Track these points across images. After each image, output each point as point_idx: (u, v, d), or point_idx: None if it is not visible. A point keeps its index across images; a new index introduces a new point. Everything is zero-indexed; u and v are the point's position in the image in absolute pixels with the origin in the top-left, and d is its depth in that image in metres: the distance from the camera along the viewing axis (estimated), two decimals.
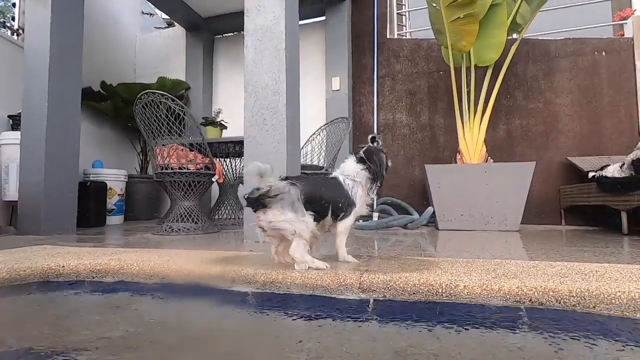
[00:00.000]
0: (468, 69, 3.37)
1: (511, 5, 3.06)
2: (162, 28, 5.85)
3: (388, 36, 4.60)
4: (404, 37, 4.79)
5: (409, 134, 4.33)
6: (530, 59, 3.98)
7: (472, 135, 3.35)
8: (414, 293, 0.99)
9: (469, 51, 3.22)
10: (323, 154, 3.48)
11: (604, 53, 3.79)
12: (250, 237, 2.24)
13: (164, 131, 2.73)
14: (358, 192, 1.42)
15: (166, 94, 2.68)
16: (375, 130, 4.37)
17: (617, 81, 3.73)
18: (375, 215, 3.90)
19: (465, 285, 0.92)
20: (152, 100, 2.68)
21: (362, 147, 1.54)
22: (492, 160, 3.39)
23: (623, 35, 4.00)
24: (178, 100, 2.69)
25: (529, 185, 2.99)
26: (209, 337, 0.93)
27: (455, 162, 3.39)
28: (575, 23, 4.79)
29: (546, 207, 3.82)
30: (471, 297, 0.90)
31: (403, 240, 2.39)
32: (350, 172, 1.45)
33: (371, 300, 0.98)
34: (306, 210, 1.26)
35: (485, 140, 3.48)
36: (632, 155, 2.63)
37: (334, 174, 1.50)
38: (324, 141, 3.56)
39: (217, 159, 3.21)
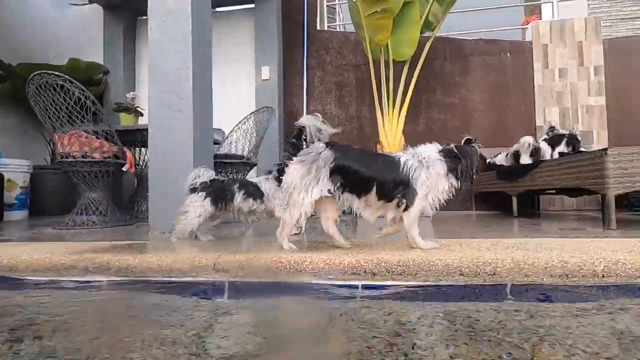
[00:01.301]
0: (387, 63, 3.51)
1: (424, 5, 3.24)
2: (79, 5, 5.34)
3: (318, 27, 4.64)
4: (334, 30, 4.86)
5: (338, 125, 4.41)
6: (447, 57, 4.26)
7: (391, 127, 3.52)
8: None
9: (387, 46, 3.36)
10: (248, 143, 3.44)
11: (509, 54, 4.17)
12: (157, 228, 2.16)
13: (64, 117, 2.51)
14: (421, 175, 1.27)
15: (63, 75, 2.46)
16: None
17: (520, 80, 4.14)
18: None
19: (310, 261, 0.98)
20: (47, 82, 2.45)
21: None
22: None
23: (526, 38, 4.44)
24: (78, 83, 2.49)
25: None
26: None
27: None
28: (492, 24, 5.20)
29: (461, 194, 4.14)
30: (315, 272, 0.97)
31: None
32: (423, 154, 1.33)
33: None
34: (334, 181, 1.19)
35: (404, 132, 3.68)
36: (514, 147, 2.94)
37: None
38: (250, 130, 3.52)
39: (131, 148, 3.03)
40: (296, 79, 4.52)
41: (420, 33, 3.44)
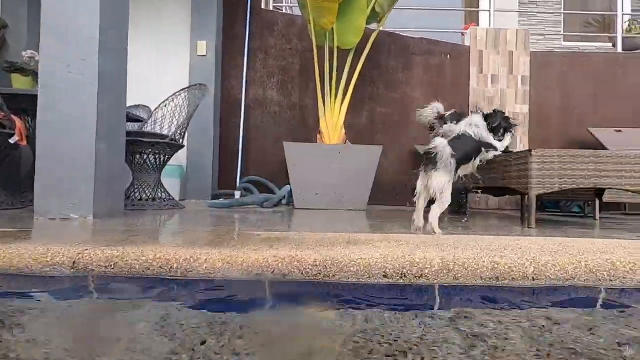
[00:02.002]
0: (331, 50, 3.38)
1: None
2: None
3: (263, 6, 4.36)
4: (280, 11, 4.60)
5: (279, 112, 4.22)
6: (392, 52, 4.26)
7: (332, 117, 3.41)
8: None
9: (332, 32, 3.23)
10: (175, 122, 3.09)
11: (448, 56, 4.29)
12: (44, 214, 1.79)
13: None
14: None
15: None
16: (243, 105, 4.12)
17: (457, 82, 4.29)
18: (237, 194, 3.70)
19: (206, 259, 0.81)
20: None
21: None
22: (349, 142, 3.52)
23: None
24: None
25: (375, 167, 3.18)
26: None
27: (316, 142, 3.41)
28: (435, 25, 5.34)
29: (398, 189, 4.21)
30: (211, 272, 0.79)
31: (246, 218, 2.25)
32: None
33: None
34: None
35: (345, 123, 3.60)
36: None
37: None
38: (179, 108, 3.16)
39: (23, 117, 2.52)
40: (236, 59, 4.20)
41: (366, 23, 3.36)
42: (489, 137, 1.78)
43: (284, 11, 4.79)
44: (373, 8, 3.21)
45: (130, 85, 4.08)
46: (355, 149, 3.20)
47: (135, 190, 2.57)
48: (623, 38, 4.62)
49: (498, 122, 1.78)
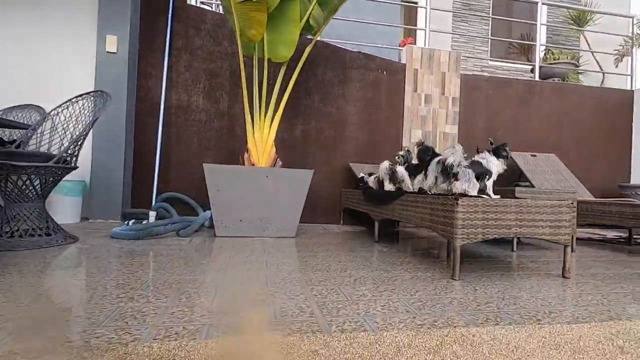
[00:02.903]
0: (261, 61, 3.10)
1: (306, 5, 2.93)
2: None
3: (188, 1, 3.91)
4: (209, 9, 4.18)
5: (206, 121, 3.83)
6: (328, 64, 4.10)
7: (261, 135, 3.14)
8: None
9: (262, 42, 2.95)
10: (69, 136, 2.59)
11: (385, 72, 4.25)
12: None
13: None
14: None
15: None
16: (162, 110, 3.66)
17: (392, 99, 4.27)
18: (153, 215, 3.27)
19: None
20: None
21: None
22: (280, 163, 3.29)
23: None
24: None
25: (306, 192, 2.99)
26: None
27: (243, 163, 3.12)
28: (373, 39, 5.28)
29: (330, 206, 4.08)
30: None
31: (161, 253, 1.91)
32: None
33: None
34: None
35: (278, 138, 3.35)
36: (381, 170, 2.93)
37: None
38: (75, 120, 2.65)
39: None
40: (156, 58, 3.71)
41: (301, 35, 3.13)
42: None
43: (213, 9, 4.36)
44: (307, 21, 2.99)
45: (21, 83, 3.42)
46: (284, 173, 2.98)
47: (5, 225, 2.07)
48: (540, 67, 4.99)
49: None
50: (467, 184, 2.20)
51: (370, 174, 3.30)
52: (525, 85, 4.65)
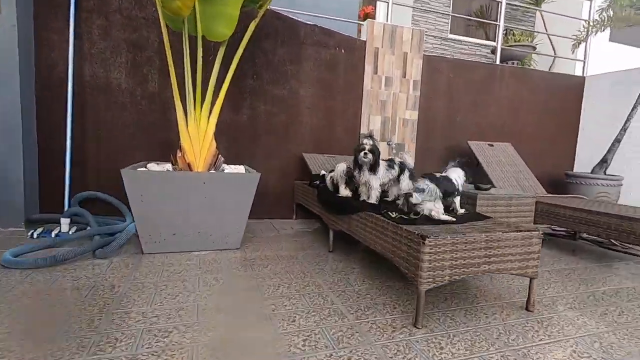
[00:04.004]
0: (195, 39, 2.53)
1: None
2: None
3: None
4: None
5: (131, 105, 3.19)
6: (279, 38, 3.55)
7: (198, 128, 2.64)
8: None
9: (195, 17, 2.36)
10: None
11: (343, 50, 3.80)
12: None
13: None
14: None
15: None
16: (70, 89, 2.96)
17: (350, 81, 3.87)
18: (66, 222, 2.72)
19: None
20: None
21: None
22: (222, 160, 2.83)
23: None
24: None
25: (252, 198, 2.61)
26: None
27: (176, 163, 2.62)
28: (329, 7, 4.72)
29: (282, 199, 3.74)
30: None
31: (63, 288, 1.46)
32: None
33: None
34: None
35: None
36: (337, 173, 2.62)
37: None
38: None
39: None
40: (58, 21, 2.94)
41: (244, 6, 2.57)
42: None
43: None
44: None
45: None
46: (226, 178, 2.54)
47: None
48: (502, 49, 4.80)
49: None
50: (433, 204, 1.97)
51: (331, 172, 2.92)
52: (486, 69, 4.46)
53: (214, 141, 2.76)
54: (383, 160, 2.52)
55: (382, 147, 4.03)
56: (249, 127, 3.54)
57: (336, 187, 2.71)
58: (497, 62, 4.72)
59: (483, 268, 1.64)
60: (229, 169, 2.87)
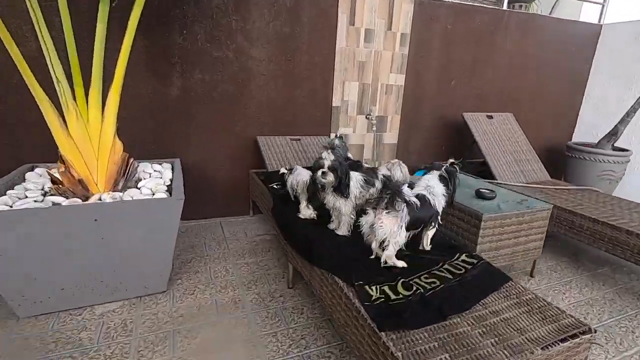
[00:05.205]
0: None
1: None
2: None
3: None
4: None
5: None
6: None
7: (87, 127, 1.77)
8: None
9: None
10: None
11: None
12: None
13: None
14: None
15: None
16: None
17: (318, 36, 2.91)
18: None
19: None
20: None
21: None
22: (137, 164, 2.01)
23: None
24: None
25: (177, 224, 1.86)
26: None
27: (59, 183, 1.78)
28: None
29: (234, 192, 2.99)
30: None
31: None
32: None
33: None
34: None
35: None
36: (297, 183, 1.91)
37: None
38: None
39: None
40: None
41: None
42: None
43: None
44: None
45: None
46: (132, 206, 1.74)
47: None
48: None
49: None
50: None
51: (290, 170, 2.15)
52: (491, 16, 3.55)
53: (117, 140, 1.91)
54: (361, 173, 1.79)
55: (361, 122, 3.24)
56: (181, 104, 2.63)
57: (296, 200, 1.99)
58: (505, 6, 3.79)
59: None
60: (147, 182, 2.05)
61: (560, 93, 4.14)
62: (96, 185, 1.86)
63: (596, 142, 3.79)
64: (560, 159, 3.93)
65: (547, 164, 3.42)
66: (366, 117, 3.26)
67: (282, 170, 2.34)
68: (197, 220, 2.89)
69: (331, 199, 1.72)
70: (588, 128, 4.29)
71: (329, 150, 1.65)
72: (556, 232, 2.48)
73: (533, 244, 2.17)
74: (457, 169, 1.81)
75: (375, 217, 1.45)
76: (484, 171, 3.59)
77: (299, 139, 2.94)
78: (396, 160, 1.87)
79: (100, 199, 1.77)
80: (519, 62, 3.77)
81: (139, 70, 2.44)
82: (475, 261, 1.55)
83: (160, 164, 2.38)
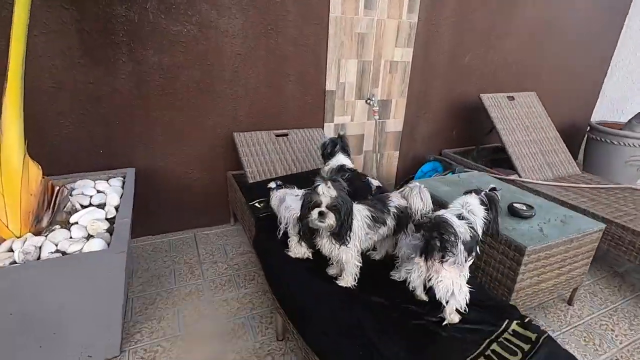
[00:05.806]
0: None
1: None
2: None
3: None
4: None
5: None
6: None
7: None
8: None
9: None
10: None
11: None
12: None
13: None
14: None
15: None
16: None
17: (308, 4, 2.29)
18: None
19: None
20: None
21: None
22: (66, 191, 1.48)
23: None
24: None
25: (123, 278, 1.37)
26: None
27: None
28: None
29: (213, 198, 2.49)
30: None
31: None
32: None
33: None
34: None
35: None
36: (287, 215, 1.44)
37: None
38: None
39: None
40: None
41: None
42: None
43: None
44: None
45: None
46: (54, 266, 1.24)
47: None
48: None
49: None
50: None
51: (281, 188, 1.64)
52: None
53: (31, 163, 1.37)
54: (366, 205, 1.31)
55: (360, 108, 2.70)
56: (133, 94, 2.05)
57: (285, 234, 1.52)
58: None
59: None
60: (83, 214, 1.52)
61: (581, 63, 3.61)
62: (7, 227, 1.34)
63: (625, 122, 3.34)
64: (575, 137, 3.49)
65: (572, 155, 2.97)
66: (367, 102, 2.71)
67: (272, 185, 1.78)
68: (166, 235, 2.41)
69: (327, 246, 1.26)
70: (613, 104, 3.82)
71: (329, 183, 1.15)
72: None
73: (577, 270, 1.76)
74: (498, 195, 1.36)
75: (427, 270, 1.07)
76: (498, 159, 3.14)
77: (287, 134, 2.40)
78: (415, 184, 1.39)
79: (11, 249, 1.27)
80: (538, 30, 3.19)
81: (71, 54, 1.83)
82: (532, 336, 1.12)
83: (107, 180, 1.84)
